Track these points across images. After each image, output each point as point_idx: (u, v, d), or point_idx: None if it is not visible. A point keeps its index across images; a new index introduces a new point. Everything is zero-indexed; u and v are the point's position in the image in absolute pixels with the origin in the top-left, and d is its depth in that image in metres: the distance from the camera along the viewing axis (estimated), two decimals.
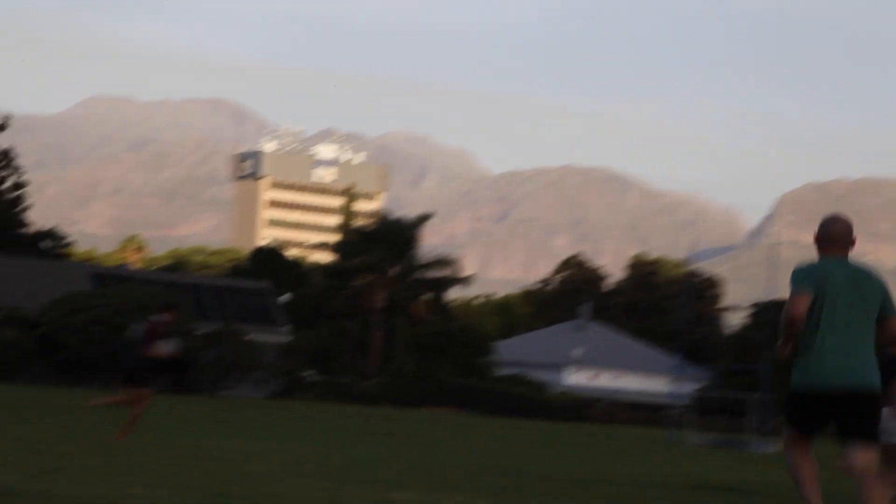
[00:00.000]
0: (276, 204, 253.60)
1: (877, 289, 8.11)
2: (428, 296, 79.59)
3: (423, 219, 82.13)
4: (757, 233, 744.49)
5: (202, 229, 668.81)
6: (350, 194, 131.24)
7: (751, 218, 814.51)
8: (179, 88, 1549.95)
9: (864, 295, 8.05)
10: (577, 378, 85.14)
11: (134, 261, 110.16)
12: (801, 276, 8.07)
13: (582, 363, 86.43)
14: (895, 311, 8.06)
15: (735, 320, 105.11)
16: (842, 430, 7.93)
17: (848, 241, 8.33)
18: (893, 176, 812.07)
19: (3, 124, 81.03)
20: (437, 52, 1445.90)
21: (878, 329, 8.06)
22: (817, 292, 8.00)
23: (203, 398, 55.87)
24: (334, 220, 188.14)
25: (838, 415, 7.90)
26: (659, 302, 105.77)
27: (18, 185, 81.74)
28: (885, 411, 12.09)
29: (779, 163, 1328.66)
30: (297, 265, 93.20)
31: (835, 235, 8.28)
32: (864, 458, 7.86)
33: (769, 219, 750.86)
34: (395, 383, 69.43)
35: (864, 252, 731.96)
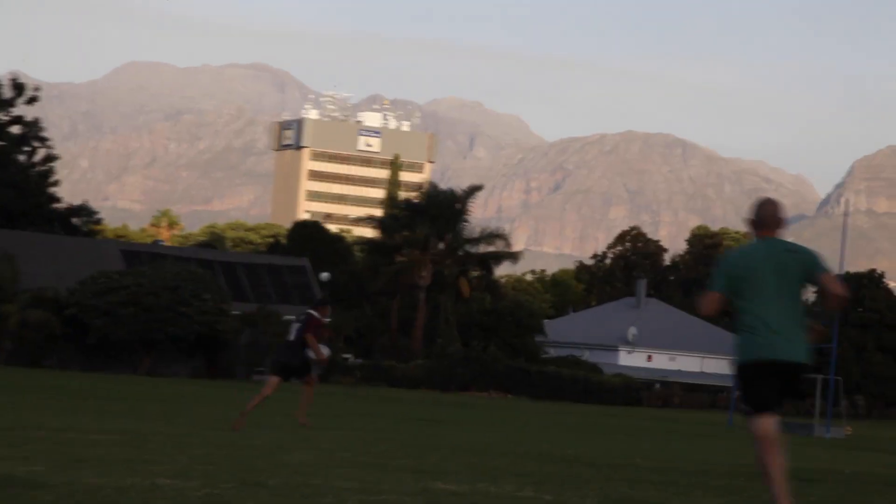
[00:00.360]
0: (317, 175, 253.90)
1: (800, 260, 9.12)
2: (476, 272, 79.70)
3: (473, 191, 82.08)
4: (828, 201, 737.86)
5: (240, 203, 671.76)
6: (395, 165, 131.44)
7: (823, 186, 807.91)
8: (220, 54, 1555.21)
9: (788, 269, 9.05)
10: (631, 359, 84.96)
11: (167, 237, 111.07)
12: (717, 273, 9.19)
13: (637, 344, 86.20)
14: (824, 269, 9.11)
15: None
16: (779, 400, 9.06)
17: (776, 222, 9.34)
18: None
19: (33, 96, 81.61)
20: (490, 15, 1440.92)
21: (817, 291, 9.15)
22: (743, 274, 9.08)
23: (238, 383, 56.35)
24: (379, 192, 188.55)
25: (776, 386, 8.99)
26: None
27: (49, 158, 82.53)
28: None
29: (853, 127, 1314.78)
30: (338, 241, 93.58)
31: (765, 218, 9.33)
32: (772, 424, 8.95)
33: (842, 186, 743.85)
34: (439, 365, 69.63)
35: None
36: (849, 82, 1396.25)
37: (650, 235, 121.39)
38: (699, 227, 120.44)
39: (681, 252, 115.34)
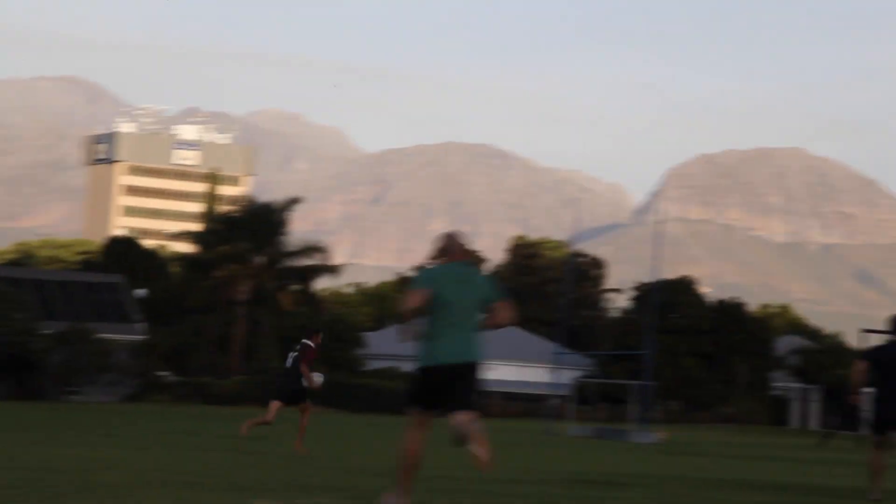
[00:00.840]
0: (132, 190, 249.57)
1: (480, 285, 10.68)
2: (295, 286, 79.38)
3: (291, 203, 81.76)
4: (644, 209, 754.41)
5: (51, 220, 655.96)
6: (213, 178, 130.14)
7: (638, 194, 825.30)
8: (28, 66, 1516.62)
9: (471, 291, 10.59)
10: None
11: None
12: (420, 278, 10.60)
13: None
14: (498, 297, 10.69)
15: (619, 302, 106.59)
16: (451, 400, 10.43)
17: (461, 251, 10.87)
18: (783, 146, 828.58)
19: None
20: (308, 27, 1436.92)
21: (487, 312, 10.68)
22: (435, 291, 10.50)
23: (48, 404, 55.01)
24: (197, 206, 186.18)
25: (449, 387, 10.43)
26: (540, 286, 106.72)
27: None
28: None
29: (666, 136, 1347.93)
30: (154, 257, 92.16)
31: (451, 250, 10.85)
32: (466, 418, 10.28)
33: (656, 194, 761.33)
34: (257, 381, 69.14)
35: (752, 227, 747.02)
36: (662, 93, 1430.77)
37: (470, 246, 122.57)
38: (519, 237, 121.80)
39: (501, 262, 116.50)
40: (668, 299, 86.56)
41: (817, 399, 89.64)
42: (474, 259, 9.94)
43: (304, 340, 22.18)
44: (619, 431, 44.43)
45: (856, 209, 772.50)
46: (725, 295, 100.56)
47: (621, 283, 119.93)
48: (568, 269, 78.75)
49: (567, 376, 67.02)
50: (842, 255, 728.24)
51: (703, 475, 21.58)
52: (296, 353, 22.04)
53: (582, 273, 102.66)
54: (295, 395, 22.20)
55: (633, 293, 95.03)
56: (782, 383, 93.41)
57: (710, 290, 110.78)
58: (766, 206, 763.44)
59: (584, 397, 68.43)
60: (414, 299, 10.45)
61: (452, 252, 10.90)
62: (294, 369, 21.92)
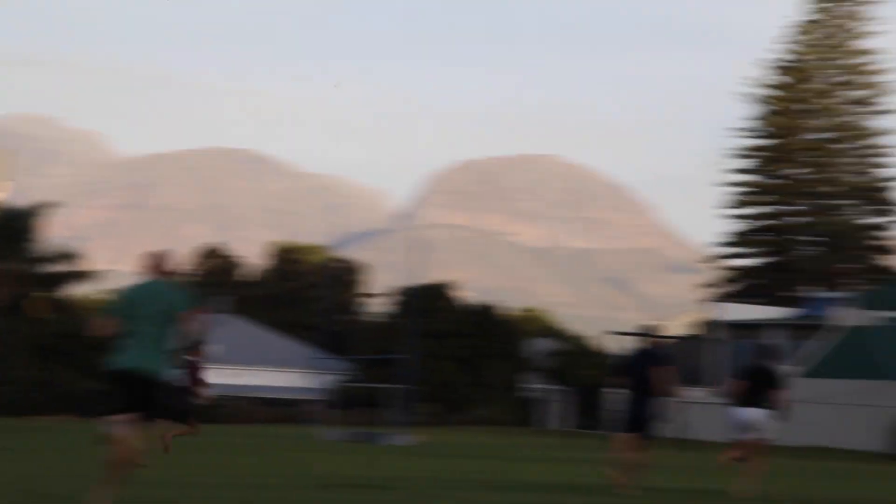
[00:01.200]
0: None
1: (170, 298, 11.99)
2: (48, 293, 77.14)
3: (42, 208, 79.45)
4: (406, 215, 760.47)
5: None
6: None
7: (400, 199, 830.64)
8: None
9: (160, 304, 11.89)
10: (216, 376, 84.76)
11: None
12: (115, 299, 12.13)
13: (221, 360, 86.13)
14: (183, 308, 11.96)
15: (380, 307, 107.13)
16: (126, 403, 11.54)
17: (159, 267, 12.36)
18: (539, 153, 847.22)
19: None
20: (60, 28, 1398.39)
21: (179, 322, 11.90)
22: (129, 304, 11.94)
23: None
24: None
25: (127, 391, 11.58)
26: (302, 291, 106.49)
27: None
28: (758, 412, 17.10)
29: (428, 143, 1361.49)
30: None
31: (150, 265, 12.35)
32: (127, 428, 11.42)
33: (419, 200, 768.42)
34: (7, 391, 66.97)
35: (506, 231, 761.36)
36: (422, 99, 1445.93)
37: (232, 252, 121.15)
38: (281, 243, 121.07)
39: (263, 268, 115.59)
40: (428, 304, 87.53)
41: (566, 400, 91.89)
42: (174, 275, 11.12)
43: (186, 357, 22.40)
44: (376, 435, 44.59)
45: (606, 215, 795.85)
46: (484, 299, 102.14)
47: (382, 288, 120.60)
48: (327, 274, 78.76)
49: (326, 380, 67.02)
50: (593, 259, 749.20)
51: (457, 476, 21.83)
52: (184, 371, 22.28)
53: (343, 278, 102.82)
54: (181, 411, 22.49)
55: (394, 298, 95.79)
56: (535, 385, 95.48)
57: (469, 295, 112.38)
58: (523, 211, 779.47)
59: (343, 401, 68.53)
60: (102, 328, 11.92)
61: (150, 269, 12.37)
62: (185, 387, 22.39)
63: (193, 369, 22.60)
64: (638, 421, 16.69)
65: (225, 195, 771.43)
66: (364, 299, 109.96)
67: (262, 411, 76.66)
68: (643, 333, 17.33)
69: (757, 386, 17.43)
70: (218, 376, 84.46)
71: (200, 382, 22.59)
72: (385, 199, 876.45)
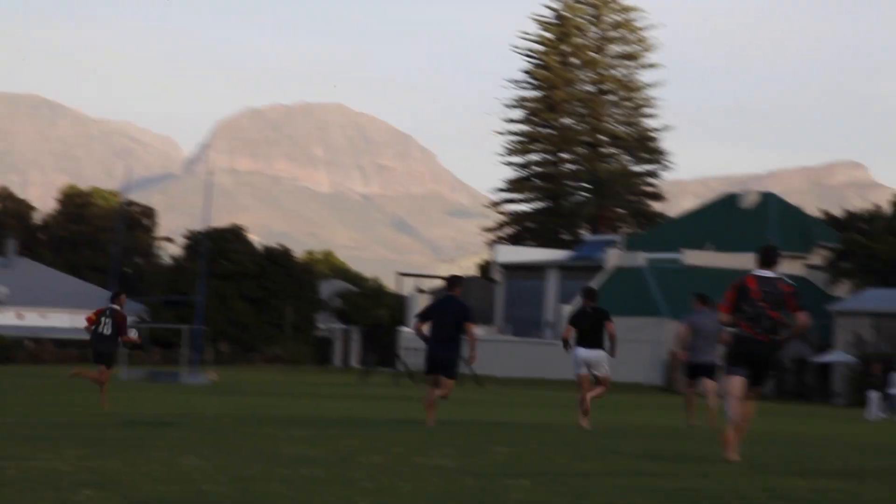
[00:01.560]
0: None
1: None
2: None
3: None
4: (194, 161, 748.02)
5: None
6: None
7: (188, 145, 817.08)
8: None
9: None
10: (2, 318, 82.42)
11: None
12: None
13: (7, 302, 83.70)
14: None
15: (172, 250, 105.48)
16: None
17: None
18: (325, 101, 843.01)
19: None
20: None
21: None
22: None
23: None
24: None
25: None
26: (93, 234, 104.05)
27: None
28: (600, 354, 18.36)
29: (214, 90, 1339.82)
30: None
31: None
32: None
33: (206, 147, 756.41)
34: None
35: (294, 177, 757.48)
36: (209, 47, 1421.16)
37: (18, 195, 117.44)
38: (69, 187, 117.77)
39: (51, 211, 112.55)
40: (219, 247, 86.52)
41: (357, 339, 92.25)
42: None
43: (111, 306, 22.84)
44: (171, 374, 43.96)
45: (392, 162, 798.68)
46: (273, 242, 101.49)
47: (173, 232, 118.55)
48: (119, 218, 77.01)
49: None
50: (380, 204, 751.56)
51: (250, 412, 21.68)
52: (109, 320, 22.54)
53: (134, 221, 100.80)
54: (109, 357, 22.84)
55: (185, 241, 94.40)
56: (326, 325, 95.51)
57: (258, 239, 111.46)
58: (311, 158, 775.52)
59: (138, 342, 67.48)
60: None
61: None
62: (114, 335, 22.55)
63: (120, 317, 22.69)
64: (443, 362, 17.27)
65: (12, 140, 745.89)
66: (155, 242, 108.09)
67: (57, 352, 74.83)
68: (448, 281, 17.93)
69: (591, 327, 18.53)
70: (4, 318, 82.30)
71: (131, 332, 23.18)
72: (174, 146, 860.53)
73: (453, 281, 17.83)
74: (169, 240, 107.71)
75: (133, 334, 23.41)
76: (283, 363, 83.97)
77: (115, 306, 22.88)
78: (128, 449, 11.75)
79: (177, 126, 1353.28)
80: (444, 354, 17.19)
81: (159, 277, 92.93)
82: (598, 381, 18.71)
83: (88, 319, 22.97)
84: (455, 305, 17.31)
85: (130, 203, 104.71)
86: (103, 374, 22.63)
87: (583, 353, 18.55)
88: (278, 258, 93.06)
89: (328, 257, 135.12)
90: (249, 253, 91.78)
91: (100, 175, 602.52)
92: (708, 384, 19.92)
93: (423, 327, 17.42)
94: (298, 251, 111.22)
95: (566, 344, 18.65)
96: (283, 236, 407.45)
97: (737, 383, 12.74)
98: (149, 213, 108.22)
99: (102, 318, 22.69)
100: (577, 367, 18.70)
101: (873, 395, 40.88)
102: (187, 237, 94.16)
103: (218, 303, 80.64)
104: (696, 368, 20.02)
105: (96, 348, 22.91)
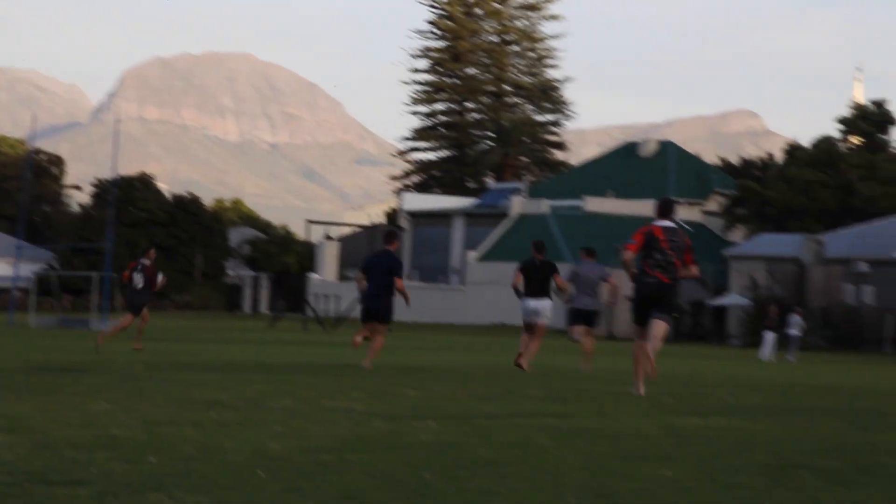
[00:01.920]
0: None
1: None
2: None
3: None
4: (101, 109, 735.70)
5: None
6: None
7: (95, 94, 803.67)
8: None
9: None
10: None
11: None
12: None
13: None
14: None
15: (80, 199, 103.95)
16: None
17: None
18: (233, 50, 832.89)
19: None
20: None
21: None
22: None
23: None
24: None
25: None
26: (0, 183, 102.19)
27: None
28: (546, 303, 19.59)
29: (121, 38, 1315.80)
30: None
31: None
32: None
33: (113, 95, 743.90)
34: None
35: (206, 125, 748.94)
36: None
37: None
38: None
39: None
40: (127, 195, 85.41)
41: (266, 285, 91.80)
42: None
43: (142, 261, 24.69)
44: (81, 321, 43.45)
45: (299, 111, 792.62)
46: (182, 191, 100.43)
47: (82, 181, 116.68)
48: (26, 166, 75.66)
49: (29, 269, 64.63)
50: (287, 153, 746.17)
51: (161, 359, 21.50)
52: (140, 275, 24.34)
53: (41, 170, 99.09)
54: (140, 308, 24.54)
55: (93, 189, 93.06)
56: (235, 272, 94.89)
57: (167, 187, 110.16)
58: (219, 107, 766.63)
59: (47, 289, 66.46)
60: None
61: None
62: (145, 287, 24.38)
63: (152, 269, 24.46)
64: (377, 311, 18.36)
65: None
66: (63, 190, 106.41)
67: None
68: (384, 236, 18.89)
69: (539, 278, 19.68)
70: None
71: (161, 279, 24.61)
72: (81, 95, 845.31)
73: (389, 235, 18.86)
74: (77, 188, 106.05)
75: (162, 280, 24.92)
76: (193, 310, 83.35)
77: (146, 261, 24.72)
78: (37, 394, 11.59)
79: (84, 75, 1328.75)
80: (377, 304, 18.36)
81: (68, 226, 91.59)
82: (535, 327, 19.72)
83: (123, 276, 24.86)
84: (387, 261, 18.39)
85: (38, 151, 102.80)
86: (128, 320, 24.31)
87: (532, 303, 19.65)
88: (187, 206, 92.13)
89: (237, 205, 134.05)
90: (158, 201, 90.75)
91: (6, 123, 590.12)
92: (580, 329, 21.23)
93: (362, 280, 18.45)
94: (207, 199, 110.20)
95: (517, 292, 19.77)
96: (192, 185, 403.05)
97: (646, 329, 13.68)
98: (56, 161, 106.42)
99: (134, 274, 24.50)
100: (527, 315, 19.78)
101: (769, 336, 41.54)
102: (95, 185, 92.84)
103: (128, 251, 79.71)
104: (577, 313, 21.28)
105: (131, 300, 24.69)
